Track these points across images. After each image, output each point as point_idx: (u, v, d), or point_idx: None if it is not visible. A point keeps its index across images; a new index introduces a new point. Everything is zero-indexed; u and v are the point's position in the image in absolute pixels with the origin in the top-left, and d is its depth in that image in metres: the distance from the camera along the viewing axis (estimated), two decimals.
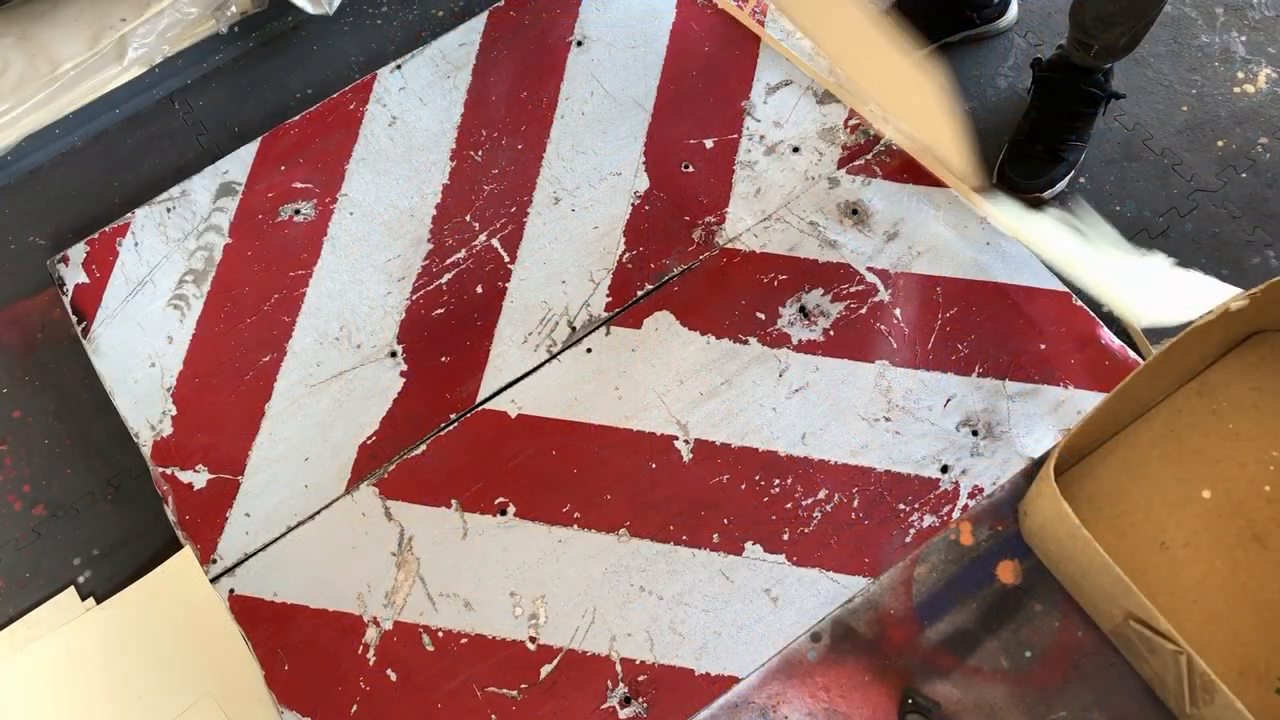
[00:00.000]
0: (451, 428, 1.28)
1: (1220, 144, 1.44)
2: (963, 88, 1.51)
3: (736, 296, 1.32)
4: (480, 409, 1.29)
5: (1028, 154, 1.38)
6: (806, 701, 1.10)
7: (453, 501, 1.24)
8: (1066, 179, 1.39)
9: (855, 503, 1.19)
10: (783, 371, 1.28)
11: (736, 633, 1.15)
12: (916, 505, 1.19)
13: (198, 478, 1.27)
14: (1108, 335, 1.26)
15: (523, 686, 1.14)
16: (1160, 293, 1.30)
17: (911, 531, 1.18)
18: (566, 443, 1.25)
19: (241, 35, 1.63)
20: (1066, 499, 1.02)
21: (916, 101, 1.20)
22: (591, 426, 1.26)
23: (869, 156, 1.40)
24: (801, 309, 1.31)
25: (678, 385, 1.28)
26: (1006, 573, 1.15)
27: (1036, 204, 1.39)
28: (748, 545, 1.18)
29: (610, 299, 1.34)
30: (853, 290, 1.32)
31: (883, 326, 1.29)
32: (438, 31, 1.58)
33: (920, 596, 1.14)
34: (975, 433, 1.22)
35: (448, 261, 1.38)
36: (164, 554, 1.25)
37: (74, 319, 1.39)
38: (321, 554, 1.22)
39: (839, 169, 1.40)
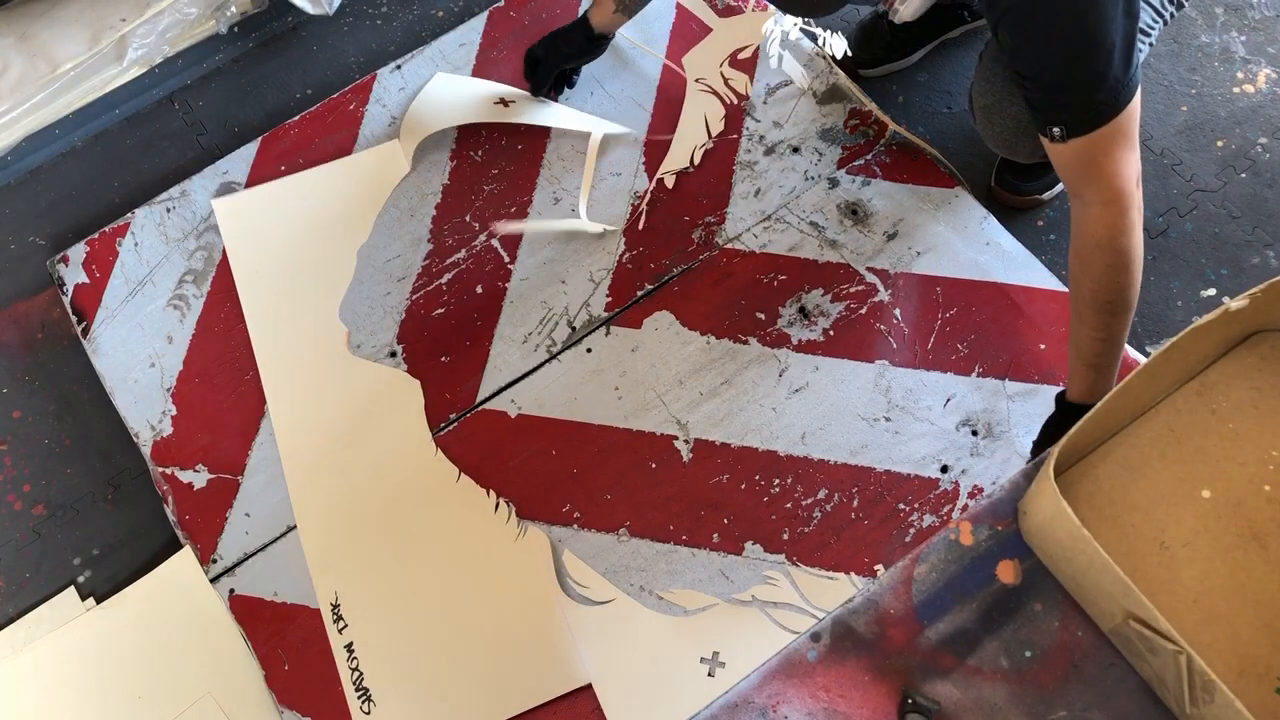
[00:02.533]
0: (451, 428, 1.28)
1: (1220, 144, 1.44)
2: (962, 87, 1.51)
3: (736, 297, 1.32)
4: (480, 409, 1.29)
5: None
6: (806, 701, 1.10)
7: None
8: None
9: (855, 502, 1.19)
10: (782, 371, 1.27)
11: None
12: (916, 505, 1.19)
13: (198, 478, 1.27)
14: None
15: None
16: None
17: (911, 531, 1.18)
18: (566, 443, 1.25)
19: (241, 35, 1.63)
20: (1066, 499, 1.02)
21: None
22: (591, 426, 1.26)
23: (869, 156, 1.40)
24: (801, 309, 1.31)
25: (678, 385, 1.28)
26: (1006, 573, 1.15)
27: (1036, 206, 1.39)
28: (748, 545, 1.18)
29: (610, 299, 1.34)
30: (853, 290, 1.32)
31: (882, 326, 1.29)
32: (438, 31, 1.58)
33: (920, 596, 1.14)
34: (975, 433, 1.22)
35: (448, 261, 1.38)
36: (164, 554, 1.25)
37: (74, 319, 1.39)
38: None
39: (839, 169, 1.40)
